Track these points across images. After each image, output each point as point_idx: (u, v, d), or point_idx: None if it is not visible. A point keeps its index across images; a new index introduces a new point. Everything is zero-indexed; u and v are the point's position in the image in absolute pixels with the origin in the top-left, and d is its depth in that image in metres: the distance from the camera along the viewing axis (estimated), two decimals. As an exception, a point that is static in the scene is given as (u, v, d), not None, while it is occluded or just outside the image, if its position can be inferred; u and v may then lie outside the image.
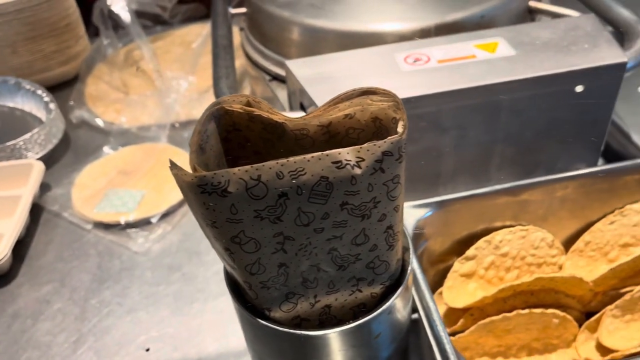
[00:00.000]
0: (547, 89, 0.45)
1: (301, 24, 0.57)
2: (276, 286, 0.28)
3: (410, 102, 0.44)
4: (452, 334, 0.43)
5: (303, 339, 0.29)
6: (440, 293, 0.45)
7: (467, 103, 0.45)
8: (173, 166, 0.24)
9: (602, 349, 0.43)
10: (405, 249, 0.32)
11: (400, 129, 0.25)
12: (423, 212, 0.41)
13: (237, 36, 0.69)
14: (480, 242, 0.44)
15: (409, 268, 0.31)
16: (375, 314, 0.29)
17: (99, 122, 0.79)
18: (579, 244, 0.46)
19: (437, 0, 0.56)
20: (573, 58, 0.45)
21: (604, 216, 0.45)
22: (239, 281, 0.29)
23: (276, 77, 0.62)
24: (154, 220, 0.63)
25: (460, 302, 0.43)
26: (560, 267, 0.47)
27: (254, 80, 0.70)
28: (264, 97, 0.68)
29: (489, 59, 0.46)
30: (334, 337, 0.29)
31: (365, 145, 0.24)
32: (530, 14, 0.60)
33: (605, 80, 0.45)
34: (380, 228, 0.27)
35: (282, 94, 0.58)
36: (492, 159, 0.49)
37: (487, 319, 0.41)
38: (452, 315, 0.45)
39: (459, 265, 0.44)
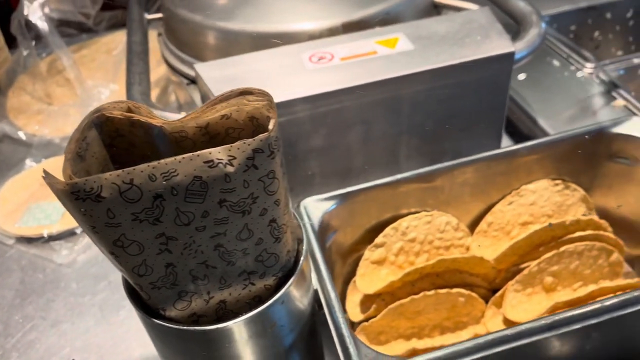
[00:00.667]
0: (443, 80, 0.47)
1: (213, 27, 0.58)
2: (166, 286, 0.29)
3: (314, 100, 0.46)
4: (367, 320, 0.45)
5: (198, 335, 0.30)
6: (355, 281, 0.47)
7: (369, 98, 0.47)
8: (46, 175, 0.24)
9: (509, 323, 0.46)
10: (299, 241, 0.33)
11: (270, 126, 0.26)
12: (328, 205, 0.43)
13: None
14: (388, 230, 0.46)
15: (302, 258, 0.32)
16: (267, 304, 0.30)
17: (21, 134, 0.77)
18: (482, 225, 0.49)
19: (345, 0, 0.58)
20: (465, 50, 0.48)
21: (503, 197, 0.48)
22: (133, 286, 0.29)
23: (194, 81, 0.62)
24: (78, 231, 0.62)
25: (372, 288, 0.45)
26: (468, 249, 0.49)
27: (176, 86, 0.70)
28: (185, 102, 0.69)
29: (388, 55, 0.48)
30: (228, 330, 0.30)
31: (236, 144, 0.26)
32: (436, 9, 0.62)
33: (496, 70, 0.48)
34: (263, 222, 0.28)
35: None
36: (399, 150, 0.51)
37: (397, 302, 0.43)
38: (368, 302, 0.47)
39: (369, 253, 0.46)
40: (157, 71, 0.80)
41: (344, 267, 0.48)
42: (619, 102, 0.66)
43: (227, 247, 0.28)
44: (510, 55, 0.47)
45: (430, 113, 0.49)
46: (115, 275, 0.58)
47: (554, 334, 0.34)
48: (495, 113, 0.51)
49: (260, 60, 0.50)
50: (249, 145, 0.26)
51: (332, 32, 0.55)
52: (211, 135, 0.29)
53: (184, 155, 0.25)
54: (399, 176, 0.44)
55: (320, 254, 0.38)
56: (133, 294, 0.31)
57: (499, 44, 0.48)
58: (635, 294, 0.37)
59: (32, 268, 0.60)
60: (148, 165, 0.25)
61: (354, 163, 0.51)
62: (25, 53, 0.85)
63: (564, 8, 0.85)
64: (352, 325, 0.47)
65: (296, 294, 0.33)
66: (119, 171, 0.24)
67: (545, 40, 0.79)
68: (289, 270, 0.32)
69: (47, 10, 0.92)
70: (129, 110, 0.28)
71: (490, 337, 0.34)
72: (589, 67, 0.72)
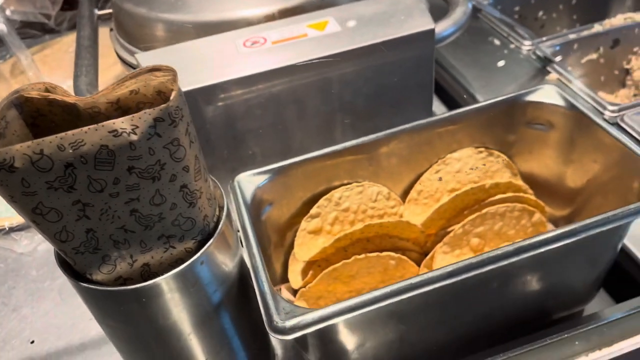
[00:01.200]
0: (369, 59, 0.50)
1: (157, 19, 0.60)
2: (89, 250, 0.31)
3: (247, 81, 0.48)
4: (306, 286, 0.48)
5: (122, 295, 0.32)
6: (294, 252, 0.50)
7: (299, 78, 0.50)
8: (-37, 150, 0.27)
9: (440, 284, 0.49)
10: (220, 208, 0.36)
11: (172, 97, 0.29)
12: (261, 179, 0.45)
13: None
14: (321, 201, 0.49)
15: (221, 223, 0.35)
16: (186, 264, 0.33)
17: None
18: (413, 194, 0.52)
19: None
20: (389, 29, 0.50)
21: (430, 167, 0.51)
22: (59, 252, 0.32)
23: (143, 72, 0.64)
24: (38, 221, 0.64)
25: (307, 256, 0.48)
26: (401, 217, 0.52)
27: (128, 78, 0.72)
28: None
29: (317, 37, 0.51)
30: (150, 289, 0.33)
31: (138, 113, 0.28)
32: (372, -7, 0.65)
33: (419, 47, 0.51)
34: (174, 188, 0.31)
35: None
36: (335, 128, 0.54)
37: (330, 268, 0.46)
38: (307, 269, 0.50)
39: (306, 224, 0.49)
40: (115, 68, 0.83)
41: (284, 239, 0.51)
42: (553, 76, 0.69)
43: (142, 212, 0.31)
44: (431, 32, 0.50)
45: (359, 91, 0.52)
46: (74, 262, 0.61)
47: (473, 274, 0.37)
48: (423, 89, 0.54)
49: (199, 47, 0.53)
50: (149, 114, 0.28)
51: (269, 18, 0.57)
52: (123, 110, 0.31)
53: (90, 126, 0.28)
54: (327, 149, 0.47)
55: (250, 225, 0.40)
56: (64, 263, 0.34)
57: (420, 22, 0.51)
58: (551, 234, 0.39)
59: (-6, 258, 0.62)
60: (56, 136, 0.27)
61: (292, 142, 0.53)
62: (-15, 54, 0.87)
63: (508, -11, 0.89)
64: (294, 293, 0.50)
65: (218, 256, 0.35)
66: (29, 142, 0.27)
67: (487, 20, 0.82)
68: (209, 234, 0.34)
69: (8, 12, 0.94)
70: (46, 90, 0.31)
71: (399, 285, 0.36)
72: (527, 45, 0.75)
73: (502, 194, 0.49)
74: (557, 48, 0.74)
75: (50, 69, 0.92)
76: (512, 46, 0.77)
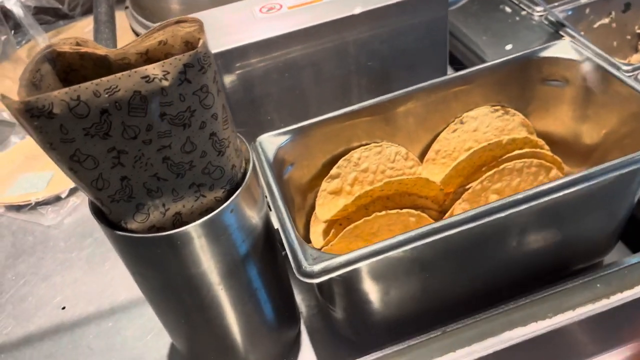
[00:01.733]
0: (383, 21, 0.51)
1: (173, -8, 0.61)
2: (124, 199, 0.33)
3: (264, 45, 0.49)
4: (329, 245, 0.49)
5: (157, 242, 0.34)
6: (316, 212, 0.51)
7: (315, 41, 0.50)
8: (3, 98, 0.28)
9: (459, 240, 0.50)
10: (247, 161, 0.37)
11: (199, 44, 0.30)
12: (282, 140, 0.47)
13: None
14: (341, 162, 0.50)
15: (248, 174, 0.36)
16: (217, 211, 0.34)
17: (5, 115, 0.81)
18: (431, 153, 0.52)
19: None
20: (403, -10, 0.51)
21: (447, 126, 0.52)
22: (94, 202, 0.33)
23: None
24: (63, 195, 0.66)
25: (328, 215, 0.49)
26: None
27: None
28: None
29: (333, 1, 0.52)
30: (184, 236, 0.34)
31: (168, 60, 0.29)
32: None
33: (433, 7, 0.51)
34: (204, 135, 0.32)
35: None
36: (351, 90, 0.55)
37: (351, 225, 0.47)
38: (328, 228, 0.51)
39: (326, 184, 0.50)
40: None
41: (305, 201, 0.52)
42: (566, 40, 0.69)
43: (174, 160, 0.32)
44: (444, -7, 0.51)
45: (375, 53, 0.52)
46: (99, 233, 0.62)
47: (493, 218, 0.38)
48: (437, 50, 0.54)
49: (216, 15, 0.54)
50: (180, 60, 0.29)
51: (284, -13, 0.58)
52: (152, 61, 0.32)
53: (124, 72, 0.29)
54: (345, 110, 0.48)
55: (274, 181, 0.42)
56: (98, 214, 0.35)
57: (434, -17, 0.51)
58: (566, 179, 0.40)
59: (22, 232, 0.64)
60: (92, 83, 0.29)
61: (309, 106, 0.54)
62: (2, 39, 0.89)
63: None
64: (316, 252, 0.51)
65: (245, 207, 0.36)
66: (66, 89, 0.28)
67: (498, -12, 0.82)
68: (237, 185, 0.36)
69: (22, -3, 0.95)
70: (77, 44, 0.32)
71: (421, 230, 0.37)
72: (538, 11, 0.75)
73: (519, 149, 0.50)
74: (570, 13, 0.74)
75: (66, 52, 0.93)
76: (523, 13, 0.77)
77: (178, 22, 0.32)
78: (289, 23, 0.50)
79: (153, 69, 0.29)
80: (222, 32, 0.51)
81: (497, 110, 0.52)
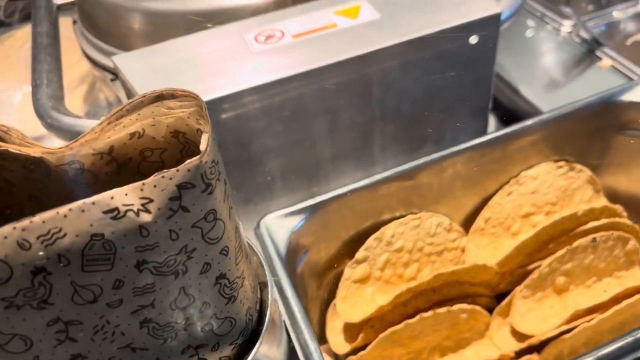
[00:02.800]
0: (418, 54, 0.39)
1: (136, 8, 0.48)
2: (78, 383, 0.20)
3: (265, 90, 0.37)
4: (355, 352, 0.37)
5: None
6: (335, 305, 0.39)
7: (331, 82, 0.38)
8: None
9: (518, 334, 0.39)
10: (264, 286, 0.25)
11: (203, 145, 0.18)
12: (296, 221, 0.34)
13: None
14: (370, 241, 0.38)
15: (267, 313, 0.24)
16: (225, 387, 0.22)
17: None
18: (479, 222, 0.41)
19: (291, -35, 0.48)
20: (443, 15, 0.39)
21: (500, 188, 0.41)
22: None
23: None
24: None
25: (356, 315, 0.37)
26: (463, 250, 0.42)
27: (100, 82, 0.60)
28: (114, 101, 0.58)
29: (351, 27, 0.40)
30: None
31: (150, 179, 0.17)
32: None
33: (481, 37, 0.40)
34: (208, 281, 0.20)
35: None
36: (373, 140, 0.43)
37: (388, 331, 0.36)
38: (353, 328, 0.39)
39: (350, 271, 0.38)
40: (81, 66, 0.69)
41: (320, 288, 0.40)
42: (606, 62, 0.59)
43: (158, 322, 0.20)
44: (497, 17, 0.40)
45: (405, 94, 0.41)
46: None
47: None
48: (480, 88, 0.43)
49: (196, 45, 0.41)
50: (170, 179, 0.17)
51: (279, 4, 0.46)
52: (119, 163, 0.20)
53: (72, 205, 0.16)
54: (377, 177, 0.36)
55: (292, 288, 0.29)
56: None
57: (481, 5, 0.40)
58: None
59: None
60: (14, 227, 0.16)
61: (320, 161, 0.42)
62: None
63: (530, -38, 0.78)
64: (336, 358, 0.39)
65: (267, 356, 0.24)
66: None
67: (515, -1, 0.71)
68: (251, 332, 0.23)
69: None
70: (-8, 136, 0.19)
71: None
72: (567, 25, 0.65)
73: (596, 220, 0.39)
74: (603, 28, 0.64)
75: (2, 70, 0.78)
76: (548, 27, 0.66)
77: (161, 97, 0.20)
78: (297, 59, 0.37)
79: (125, 196, 0.16)
80: (208, 70, 0.38)
81: (560, 167, 0.41)
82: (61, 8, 0.58)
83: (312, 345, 0.27)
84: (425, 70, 0.40)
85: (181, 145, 0.20)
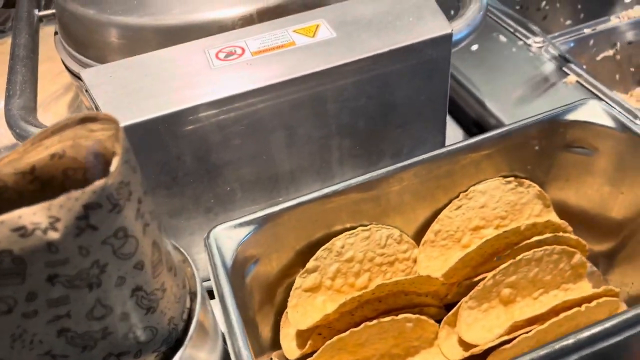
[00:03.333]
0: (372, 72, 0.40)
1: (110, 22, 0.49)
2: (3, 387, 0.21)
3: (221, 104, 0.39)
4: (305, 358, 0.39)
5: None
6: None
7: (287, 98, 0.40)
8: None
9: (465, 343, 0.41)
10: (193, 296, 0.27)
11: (112, 168, 0.19)
12: (245, 232, 0.36)
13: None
14: (320, 252, 0.39)
15: (193, 322, 0.25)
16: (145, 392, 0.23)
17: None
18: (429, 234, 0.42)
19: (260, -18, 0.50)
20: (397, 35, 0.41)
21: (450, 202, 0.42)
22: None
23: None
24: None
25: (305, 322, 0.39)
26: (415, 261, 0.43)
27: (80, 92, 0.61)
28: (91, 109, 0.60)
29: (307, 45, 0.41)
30: None
31: (58, 200, 0.18)
32: (366, -14, 0.55)
33: (433, 55, 0.41)
34: (123, 293, 0.21)
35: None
36: (331, 154, 0.44)
37: (335, 338, 0.37)
38: (304, 334, 0.40)
39: (301, 281, 0.39)
40: (63, 77, 0.71)
41: (274, 297, 0.41)
42: (572, 78, 0.61)
43: (76, 331, 0.21)
44: (448, 37, 0.41)
45: (359, 110, 0.42)
46: None
47: None
48: (436, 104, 0.44)
49: (162, 59, 0.43)
50: (77, 200, 0.18)
51: (245, 21, 0.47)
52: (43, 182, 0.21)
53: (-17, 224, 0.18)
54: (326, 190, 0.38)
55: (232, 298, 0.31)
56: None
57: (434, 25, 0.41)
58: (611, 322, 0.31)
59: None
60: None
61: (279, 173, 0.44)
62: None
63: (509, -23, 0.80)
64: (288, 364, 0.41)
65: (193, 363, 0.26)
66: None
67: (490, 14, 0.73)
68: (177, 341, 0.25)
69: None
70: None
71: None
72: (537, 41, 0.66)
73: (539, 234, 0.40)
74: (572, 45, 0.65)
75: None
76: (519, 43, 0.68)
77: (84, 120, 0.21)
78: (255, 76, 0.39)
79: (33, 215, 0.18)
80: (169, 85, 0.40)
81: (509, 182, 0.42)
82: (44, 19, 0.60)
83: (245, 352, 0.28)
84: (379, 87, 0.42)
85: (102, 166, 0.22)
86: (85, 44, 0.53)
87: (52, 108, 0.75)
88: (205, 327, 0.27)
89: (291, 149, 0.43)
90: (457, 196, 0.42)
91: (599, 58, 0.69)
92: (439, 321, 0.41)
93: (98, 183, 0.19)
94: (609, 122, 0.39)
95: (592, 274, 0.45)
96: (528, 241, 0.40)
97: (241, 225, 0.36)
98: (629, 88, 0.74)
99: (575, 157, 0.42)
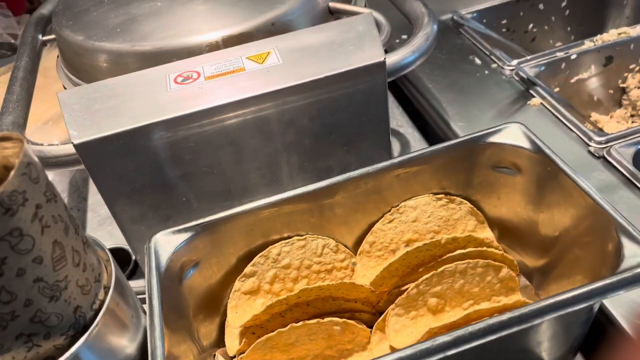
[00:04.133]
0: (310, 96, 0.44)
1: (94, 48, 0.55)
2: None
3: (170, 124, 0.43)
4: (241, 354, 0.42)
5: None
6: (229, 313, 0.44)
7: (232, 118, 0.44)
8: None
9: (395, 349, 0.43)
10: (106, 289, 0.31)
11: (8, 178, 0.24)
12: (182, 238, 0.40)
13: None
14: (257, 258, 0.43)
15: (102, 311, 0.30)
16: (51, 367, 0.28)
17: None
18: (365, 245, 0.46)
19: (229, 12, 0.55)
20: (334, 62, 0.45)
21: (383, 216, 0.45)
22: None
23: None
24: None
25: (240, 322, 0.42)
26: (353, 270, 0.47)
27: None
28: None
29: (255, 71, 0.45)
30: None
31: (-41, 203, 0.23)
32: (333, 15, 0.59)
33: (369, 81, 0.45)
34: (25, 283, 0.26)
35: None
36: (280, 169, 0.48)
37: (264, 337, 0.41)
38: (243, 335, 0.44)
39: (240, 284, 0.43)
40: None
41: (221, 299, 0.45)
42: (536, 100, 0.63)
43: (-13, 311, 0.26)
44: (381, 64, 0.45)
45: (304, 130, 0.46)
46: None
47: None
48: (378, 125, 0.48)
49: (128, 83, 0.48)
50: (-27, 204, 0.23)
51: (212, 47, 0.52)
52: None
53: None
54: (261, 202, 0.42)
55: (157, 298, 0.35)
56: None
57: (369, 54, 0.45)
58: (498, 319, 0.34)
59: None
60: None
61: (232, 185, 0.48)
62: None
63: (494, 2, 0.82)
64: (230, 360, 0.44)
65: (104, 347, 0.30)
66: None
67: (470, 37, 0.76)
68: (84, 327, 0.29)
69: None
70: None
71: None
72: (511, 65, 0.69)
73: (462, 249, 0.43)
74: (542, 69, 0.67)
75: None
76: (494, 66, 0.70)
77: (2, 139, 0.26)
78: (202, 99, 0.44)
79: (-62, 215, 0.23)
80: (129, 106, 0.44)
81: (440, 199, 0.45)
82: (47, 44, 0.67)
83: (159, 346, 0.32)
84: (320, 110, 0.45)
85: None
86: (76, 66, 0.59)
87: (60, 123, 0.83)
88: (120, 318, 0.31)
89: (240, 164, 0.47)
90: (389, 211, 0.45)
91: (572, 81, 0.70)
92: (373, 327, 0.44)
93: (-10, 191, 0.23)
94: (526, 144, 0.42)
95: (525, 288, 0.47)
96: (451, 254, 0.43)
97: (179, 231, 0.40)
98: (610, 109, 0.75)
99: (503, 176, 0.44)
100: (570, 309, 0.32)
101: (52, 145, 0.46)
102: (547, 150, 0.40)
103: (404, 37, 0.78)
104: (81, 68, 0.58)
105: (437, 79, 0.70)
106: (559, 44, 0.88)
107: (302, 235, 0.44)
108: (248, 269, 0.43)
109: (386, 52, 0.46)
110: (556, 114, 0.60)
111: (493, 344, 0.33)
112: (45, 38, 0.66)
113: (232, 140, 0.45)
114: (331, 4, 0.59)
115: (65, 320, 0.28)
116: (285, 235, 0.44)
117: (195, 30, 0.53)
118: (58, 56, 0.66)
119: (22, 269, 0.25)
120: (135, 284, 0.56)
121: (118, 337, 0.31)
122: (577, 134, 0.57)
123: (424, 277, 0.42)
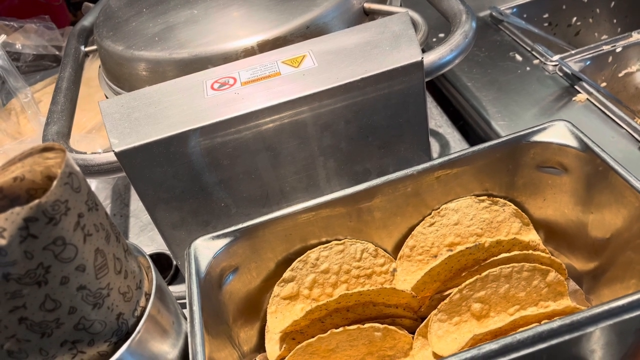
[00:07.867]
0: (347, 98, 0.44)
1: (133, 57, 0.56)
2: (-21, 363, 0.27)
3: (208, 130, 0.43)
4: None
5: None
6: (269, 319, 0.44)
7: (269, 123, 0.44)
8: None
9: (438, 355, 0.42)
10: (147, 296, 0.31)
11: (51, 189, 0.24)
12: (221, 244, 0.40)
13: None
14: (296, 263, 0.43)
15: (144, 318, 0.30)
16: (94, 374, 0.28)
17: None
18: (405, 249, 0.45)
19: (264, 17, 0.55)
20: (370, 64, 0.44)
21: (423, 219, 0.44)
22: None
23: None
24: None
25: (280, 327, 0.42)
26: (393, 275, 0.46)
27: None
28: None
29: (290, 75, 0.45)
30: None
31: (4, 214, 0.23)
32: (368, 16, 0.59)
33: (406, 81, 0.44)
34: (69, 291, 0.26)
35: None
36: (317, 173, 0.48)
37: (304, 343, 0.40)
38: (284, 340, 0.44)
39: (279, 289, 0.43)
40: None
41: (261, 304, 0.45)
42: (581, 96, 0.61)
43: (34, 319, 0.26)
44: (418, 64, 0.44)
45: (340, 133, 0.46)
46: None
47: None
48: (416, 126, 0.47)
49: (166, 91, 0.48)
50: (18, 214, 0.23)
51: (248, 52, 0.52)
52: (11, 200, 0.27)
53: (-51, 231, 0.23)
54: (299, 206, 0.41)
55: (197, 303, 0.35)
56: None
57: (406, 54, 0.44)
58: (548, 327, 0.32)
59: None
60: None
61: (269, 190, 0.48)
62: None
63: (534, -5, 0.80)
64: (270, 365, 0.44)
65: (146, 352, 0.30)
66: None
67: (510, 33, 0.74)
68: (127, 334, 0.29)
69: (18, 46, 0.93)
70: None
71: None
72: (554, 60, 0.67)
73: (507, 252, 0.42)
74: (587, 63, 0.65)
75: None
76: (535, 62, 0.68)
77: (43, 150, 0.26)
78: (238, 105, 0.44)
79: (-15, 226, 0.23)
80: (167, 113, 0.45)
81: (482, 201, 0.44)
82: (89, 54, 0.69)
83: (200, 352, 0.32)
84: (356, 112, 0.45)
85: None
86: (117, 76, 0.60)
87: (103, 131, 0.85)
88: (162, 324, 0.31)
89: (277, 169, 0.47)
90: (430, 214, 0.44)
91: (620, 75, 0.68)
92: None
93: (35, 201, 0.24)
94: (573, 143, 0.40)
95: (575, 292, 0.45)
96: (495, 258, 0.42)
97: (218, 237, 0.41)
98: (659, 104, 0.72)
99: (548, 176, 0.43)
100: (626, 316, 0.30)
101: (95, 153, 0.47)
102: (596, 149, 0.38)
103: (441, 35, 0.77)
104: (121, 77, 0.59)
105: (477, 77, 0.68)
106: (604, 37, 0.85)
107: (340, 240, 0.44)
108: (287, 274, 0.43)
109: (423, 51, 0.45)
110: (604, 109, 0.58)
111: (542, 352, 0.31)
112: (87, 49, 0.68)
113: (269, 145, 0.45)
114: (366, 5, 0.58)
115: (108, 327, 0.28)
116: (324, 239, 0.44)
117: (230, 36, 0.53)
118: (100, 66, 0.68)
119: (65, 277, 0.26)
120: (176, 289, 0.56)
121: (160, 343, 0.31)
122: (626, 130, 0.55)
123: (468, 282, 0.41)
